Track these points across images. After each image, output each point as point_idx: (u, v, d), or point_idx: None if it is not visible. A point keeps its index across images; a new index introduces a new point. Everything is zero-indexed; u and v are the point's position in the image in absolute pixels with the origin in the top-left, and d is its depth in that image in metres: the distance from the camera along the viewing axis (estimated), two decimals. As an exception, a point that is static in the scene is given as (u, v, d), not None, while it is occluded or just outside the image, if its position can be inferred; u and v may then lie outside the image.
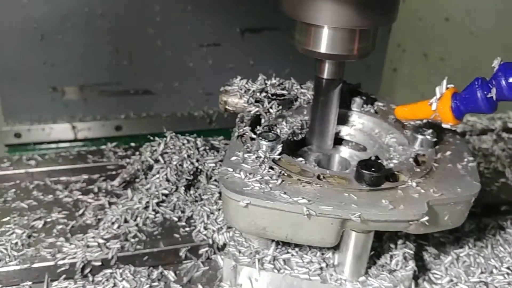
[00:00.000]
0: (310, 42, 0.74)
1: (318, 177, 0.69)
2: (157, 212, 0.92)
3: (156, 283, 0.78)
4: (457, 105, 0.70)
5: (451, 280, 0.80)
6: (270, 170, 0.69)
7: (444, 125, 0.73)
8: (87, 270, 0.81)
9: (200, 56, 1.72)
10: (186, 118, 1.82)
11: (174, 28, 1.65)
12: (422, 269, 0.82)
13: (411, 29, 1.99)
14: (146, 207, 0.91)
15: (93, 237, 0.85)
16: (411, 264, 0.76)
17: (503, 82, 0.63)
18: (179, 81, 1.77)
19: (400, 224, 0.65)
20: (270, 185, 0.66)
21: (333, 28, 0.71)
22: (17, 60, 1.57)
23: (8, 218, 0.91)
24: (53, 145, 1.69)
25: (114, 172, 1.07)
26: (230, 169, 0.69)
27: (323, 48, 0.73)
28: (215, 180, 0.98)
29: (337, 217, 0.64)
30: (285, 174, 0.69)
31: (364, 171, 0.66)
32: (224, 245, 0.83)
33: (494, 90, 0.64)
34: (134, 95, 1.76)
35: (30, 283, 0.79)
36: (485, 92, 0.66)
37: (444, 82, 0.72)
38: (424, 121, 0.81)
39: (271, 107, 0.84)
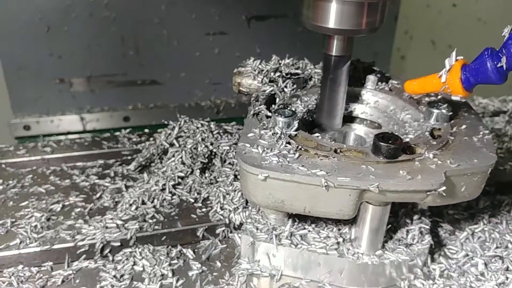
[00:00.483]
0: (318, 17, 0.74)
1: (335, 151, 0.69)
2: (173, 194, 0.93)
3: (175, 261, 0.80)
4: (467, 76, 0.70)
5: (467, 255, 0.81)
6: (287, 145, 0.70)
7: (453, 98, 0.73)
8: (106, 251, 0.82)
9: (206, 45, 1.72)
10: (194, 108, 1.81)
11: (180, 17, 1.65)
12: (437, 245, 0.83)
13: (419, 16, 1.97)
14: (162, 189, 0.92)
15: (111, 219, 0.86)
16: (427, 238, 0.77)
17: None
18: (186, 71, 1.76)
19: (417, 195, 0.66)
20: (288, 159, 0.67)
21: (341, 2, 0.71)
22: (24, 53, 1.57)
23: (26, 202, 0.92)
24: (62, 137, 1.69)
25: (129, 157, 1.08)
26: (248, 145, 0.70)
27: (331, 23, 0.73)
28: (230, 163, 0.98)
29: (355, 188, 0.64)
30: (302, 149, 0.70)
31: (381, 143, 0.67)
32: (241, 224, 0.84)
33: (504, 59, 0.64)
34: (141, 86, 1.76)
35: (51, 263, 0.81)
36: (495, 62, 0.66)
37: (454, 54, 0.72)
38: (439, 97, 0.81)
39: (285, 86, 0.85)
